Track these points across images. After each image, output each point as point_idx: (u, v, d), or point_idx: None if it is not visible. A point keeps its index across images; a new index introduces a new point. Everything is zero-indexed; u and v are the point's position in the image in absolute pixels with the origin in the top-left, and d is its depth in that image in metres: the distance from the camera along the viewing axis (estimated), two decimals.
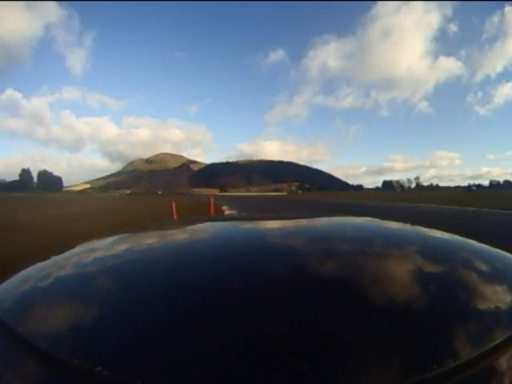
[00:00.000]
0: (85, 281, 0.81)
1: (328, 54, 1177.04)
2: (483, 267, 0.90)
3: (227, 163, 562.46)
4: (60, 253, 1.09)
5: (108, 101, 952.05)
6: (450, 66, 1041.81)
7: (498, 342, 0.54)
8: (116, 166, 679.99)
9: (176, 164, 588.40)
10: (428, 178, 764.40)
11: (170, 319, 0.60)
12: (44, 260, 1.02)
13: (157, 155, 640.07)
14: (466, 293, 0.73)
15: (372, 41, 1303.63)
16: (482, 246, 1.12)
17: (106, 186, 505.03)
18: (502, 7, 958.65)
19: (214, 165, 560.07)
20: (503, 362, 0.52)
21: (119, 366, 0.49)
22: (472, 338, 0.56)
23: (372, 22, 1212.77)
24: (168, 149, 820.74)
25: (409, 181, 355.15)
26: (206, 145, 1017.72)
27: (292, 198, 62.73)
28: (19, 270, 0.93)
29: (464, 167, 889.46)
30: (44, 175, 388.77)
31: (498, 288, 0.77)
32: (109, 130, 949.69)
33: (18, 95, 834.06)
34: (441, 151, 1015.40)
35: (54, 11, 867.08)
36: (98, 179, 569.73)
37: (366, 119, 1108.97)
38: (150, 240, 1.26)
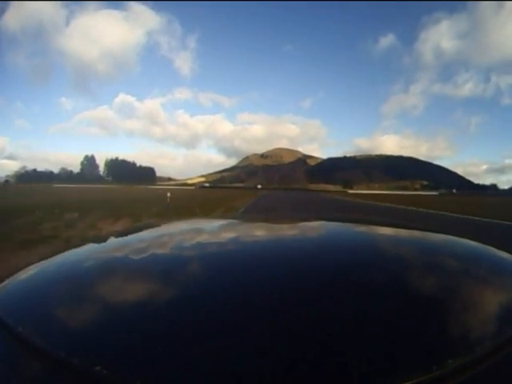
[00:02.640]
0: (85, 281, 0.81)
1: (441, 35, 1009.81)
2: (483, 268, 0.91)
3: (345, 158, 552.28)
4: (60, 253, 1.09)
5: (220, 99, 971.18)
6: None
7: (498, 342, 0.54)
8: (232, 161, 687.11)
9: (291, 159, 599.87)
10: None
11: (170, 319, 0.60)
12: (44, 260, 1.02)
13: (272, 150, 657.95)
14: (466, 293, 0.74)
15: (486, 15, 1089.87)
16: (482, 246, 1.13)
17: (221, 179, 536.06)
18: None
19: (331, 159, 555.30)
20: (503, 362, 0.52)
21: (119, 365, 0.49)
22: (472, 338, 0.57)
23: None
24: (283, 144, 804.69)
25: None
26: (321, 140, 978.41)
27: None
28: (19, 270, 0.93)
29: None
30: (116, 164, 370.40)
31: (498, 288, 0.78)
32: (223, 126, 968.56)
33: (131, 98, 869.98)
34: None
35: (152, 19, 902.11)
36: (213, 173, 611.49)
37: (488, 109, 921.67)
38: (150, 240, 1.26)
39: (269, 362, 0.47)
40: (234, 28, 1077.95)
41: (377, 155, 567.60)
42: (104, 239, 1.26)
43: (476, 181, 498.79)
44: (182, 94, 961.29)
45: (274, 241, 1.17)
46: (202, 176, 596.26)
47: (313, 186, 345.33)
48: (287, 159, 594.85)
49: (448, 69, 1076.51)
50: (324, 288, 0.72)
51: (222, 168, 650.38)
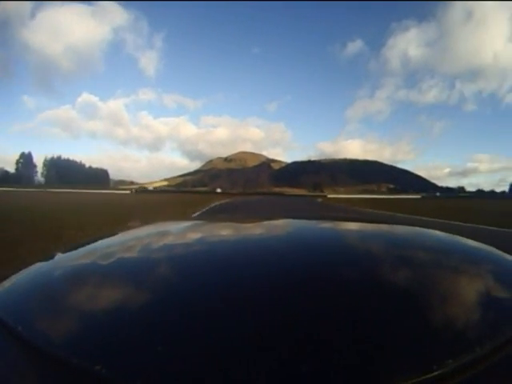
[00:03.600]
0: (85, 281, 0.81)
1: (409, 42, 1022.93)
2: (484, 269, 0.91)
3: (309, 162, 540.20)
4: (60, 253, 1.09)
5: (184, 101, 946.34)
6: None
7: (498, 342, 0.54)
8: (195, 165, 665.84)
9: (255, 162, 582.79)
10: None
11: (170, 319, 0.60)
12: (44, 260, 1.02)
13: (236, 154, 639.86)
14: (467, 293, 0.74)
15: (455, 25, 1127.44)
16: (482, 246, 1.13)
17: (183, 183, 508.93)
18: None
19: (295, 163, 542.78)
20: (503, 362, 0.52)
21: (119, 365, 0.49)
22: (472, 338, 0.57)
23: (453, 2, 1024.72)
24: (248, 147, 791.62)
25: None
26: (286, 143, 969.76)
27: None
28: (19, 270, 0.93)
29: None
30: (58, 164, 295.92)
31: (498, 289, 0.78)
32: (187, 129, 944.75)
33: (94, 98, 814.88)
34: None
35: (119, 15, 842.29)
36: (176, 177, 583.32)
37: (451, 114, 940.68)
38: (150, 240, 1.26)
39: (268, 363, 0.47)
40: (201, 28, 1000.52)
41: (341, 159, 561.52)
42: (104, 239, 1.26)
43: (439, 183, 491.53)
44: (146, 94, 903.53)
45: (260, 241, 1.17)
46: (165, 180, 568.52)
47: (277, 190, 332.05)
48: (251, 163, 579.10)
49: (414, 75, 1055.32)
50: (323, 290, 0.71)
51: (185, 171, 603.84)
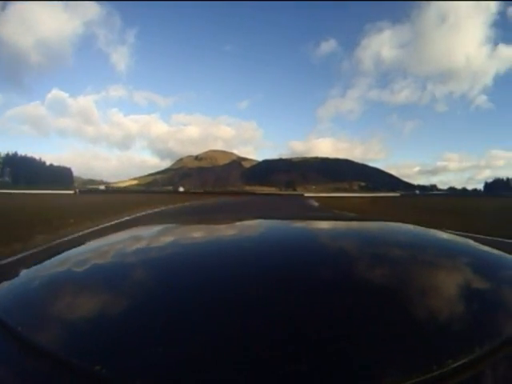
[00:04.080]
0: (85, 281, 0.81)
1: (382, 43, 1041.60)
2: (483, 268, 0.91)
3: (280, 160, 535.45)
4: (60, 253, 1.10)
5: (156, 98, 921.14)
6: (511, 54, 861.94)
7: (498, 342, 0.54)
8: (166, 163, 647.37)
9: (226, 161, 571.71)
10: (482, 178, 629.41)
11: (170, 319, 0.60)
12: (44, 260, 1.02)
13: (207, 152, 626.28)
14: (466, 294, 0.74)
15: (428, 27, 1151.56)
16: (482, 246, 1.13)
17: (153, 182, 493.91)
18: None
19: (266, 162, 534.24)
20: (503, 362, 0.52)
21: (119, 365, 0.49)
22: (472, 338, 0.56)
23: (427, 5, 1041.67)
24: (219, 146, 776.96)
25: None
26: (257, 142, 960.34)
27: None
28: (19, 270, 0.93)
29: None
30: (14, 162, 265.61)
31: (498, 289, 0.78)
32: (158, 127, 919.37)
33: (64, 95, 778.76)
34: (498, 150, 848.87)
35: (91, 8, 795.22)
36: (146, 176, 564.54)
37: (422, 115, 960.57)
38: (150, 240, 1.25)
39: (267, 363, 0.48)
40: (173, 25, 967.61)
41: (312, 157, 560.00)
42: (104, 239, 1.27)
43: (410, 182, 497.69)
44: (117, 91, 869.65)
45: (263, 241, 1.17)
46: (135, 179, 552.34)
47: (248, 189, 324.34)
48: (222, 161, 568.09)
49: (386, 76, 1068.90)
50: (322, 289, 0.71)
51: (156, 170, 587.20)
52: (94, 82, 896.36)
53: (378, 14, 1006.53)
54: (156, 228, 1.51)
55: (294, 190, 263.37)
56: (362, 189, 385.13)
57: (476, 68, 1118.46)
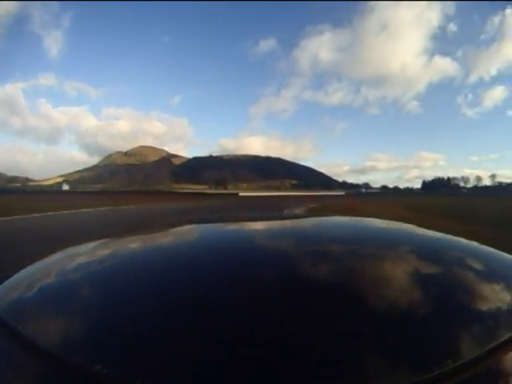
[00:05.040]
0: (85, 281, 0.81)
1: (321, 45, 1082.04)
2: (483, 268, 0.91)
3: (211, 157, 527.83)
4: (60, 253, 1.09)
5: (87, 89, 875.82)
6: (445, 66, 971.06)
7: (498, 342, 0.54)
8: (94, 160, 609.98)
9: (156, 158, 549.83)
10: (410, 178, 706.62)
11: (170, 319, 0.60)
12: (43, 260, 1.02)
13: (136, 148, 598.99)
14: (466, 294, 0.74)
15: (368, 34, 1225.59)
16: (481, 246, 1.13)
17: (80, 180, 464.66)
18: (504, 8, 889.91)
19: (196, 159, 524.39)
20: (503, 362, 0.52)
21: (119, 365, 0.49)
22: (472, 338, 0.56)
23: (371, 13, 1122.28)
24: (149, 142, 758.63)
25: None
26: (188, 139, 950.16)
27: None
28: (19, 270, 0.93)
29: (447, 168, 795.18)
30: None
31: (498, 289, 0.78)
32: (87, 120, 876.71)
33: None
34: (426, 152, 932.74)
35: None
36: (73, 173, 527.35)
37: (354, 116, 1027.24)
38: (149, 240, 1.27)
39: (267, 363, 0.48)
40: (110, 13, 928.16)
41: (244, 155, 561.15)
42: (103, 239, 1.27)
43: (340, 180, 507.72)
44: (47, 80, 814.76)
45: (260, 241, 1.17)
46: (62, 176, 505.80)
47: (177, 187, 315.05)
48: (152, 158, 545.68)
49: (321, 77, 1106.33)
50: (321, 289, 0.71)
51: (84, 167, 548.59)
52: (23, 68, 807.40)
53: (320, 16, 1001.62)
54: (151, 232, 1.50)
55: (225, 188, 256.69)
56: (293, 187, 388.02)
57: (410, 76, 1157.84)
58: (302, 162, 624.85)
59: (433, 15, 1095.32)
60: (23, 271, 0.93)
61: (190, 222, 1.66)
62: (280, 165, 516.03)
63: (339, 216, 1.99)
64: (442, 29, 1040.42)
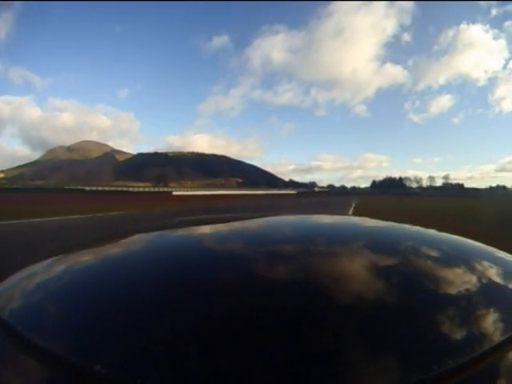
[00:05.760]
0: (85, 280, 0.82)
1: (274, 45, 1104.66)
2: (484, 268, 0.90)
3: (156, 154, 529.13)
4: (60, 253, 1.10)
5: (33, 78, 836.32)
6: (396, 73, 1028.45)
7: (498, 342, 0.54)
8: (37, 155, 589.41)
9: (99, 153, 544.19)
10: (354, 178, 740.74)
11: (170, 319, 0.61)
12: (44, 260, 1.02)
13: (80, 143, 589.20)
14: (466, 293, 0.73)
15: (323, 37, 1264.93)
16: (481, 245, 1.12)
17: (20, 175, 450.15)
18: (459, 22, 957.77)
19: (141, 155, 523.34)
20: (503, 362, 0.52)
21: (119, 365, 0.49)
22: (472, 338, 0.56)
23: (328, 17, 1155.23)
24: (93, 136, 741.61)
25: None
26: (133, 135, 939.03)
27: None
28: (20, 270, 0.94)
29: (391, 169, 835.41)
30: None
31: (498, 289, 0.78)
32: (31, 111, 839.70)
33: None
34: (370, 153, 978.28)
35: None
36: (14, 168, 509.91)
37: (302, 117, 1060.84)
38: (149, 240, 1.27)
39: (266, 363, 0.48)
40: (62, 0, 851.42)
41: (189, 152, 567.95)
42: (103, 239, 1.28)
43: (286, 179, 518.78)
44: None
45: (258, 240, 1.16)
46: (2, 172, 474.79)
47: (120, 184, 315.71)
48: (95, 153, 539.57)
49: (272, 77, 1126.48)
50: (320, 289, 0.72)
51: (24, 162, 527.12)
52: None
53: (277, 16, 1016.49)
54: (157, 230, 1.49)
55: (166, 185, 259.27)
56: (239, 185, 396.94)
57: (360, 80, 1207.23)
58: (248, 161, 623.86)
59: (389, 24, 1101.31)
60: (22, 271, 0.93)
61: (180, 224, 1.64)
62: (225, 163, 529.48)
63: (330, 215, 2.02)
64: (396, 38, 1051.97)
